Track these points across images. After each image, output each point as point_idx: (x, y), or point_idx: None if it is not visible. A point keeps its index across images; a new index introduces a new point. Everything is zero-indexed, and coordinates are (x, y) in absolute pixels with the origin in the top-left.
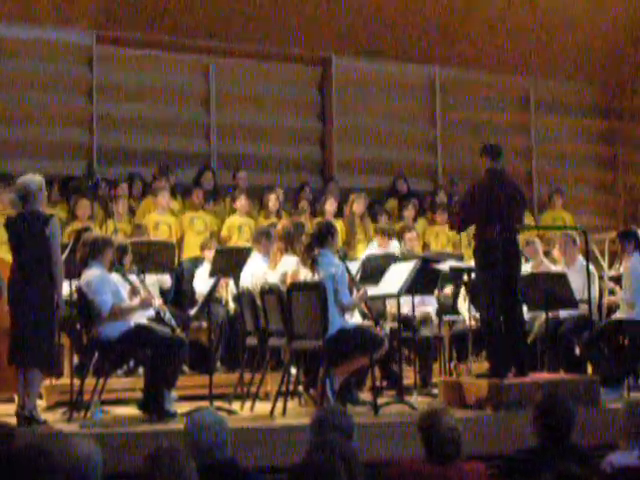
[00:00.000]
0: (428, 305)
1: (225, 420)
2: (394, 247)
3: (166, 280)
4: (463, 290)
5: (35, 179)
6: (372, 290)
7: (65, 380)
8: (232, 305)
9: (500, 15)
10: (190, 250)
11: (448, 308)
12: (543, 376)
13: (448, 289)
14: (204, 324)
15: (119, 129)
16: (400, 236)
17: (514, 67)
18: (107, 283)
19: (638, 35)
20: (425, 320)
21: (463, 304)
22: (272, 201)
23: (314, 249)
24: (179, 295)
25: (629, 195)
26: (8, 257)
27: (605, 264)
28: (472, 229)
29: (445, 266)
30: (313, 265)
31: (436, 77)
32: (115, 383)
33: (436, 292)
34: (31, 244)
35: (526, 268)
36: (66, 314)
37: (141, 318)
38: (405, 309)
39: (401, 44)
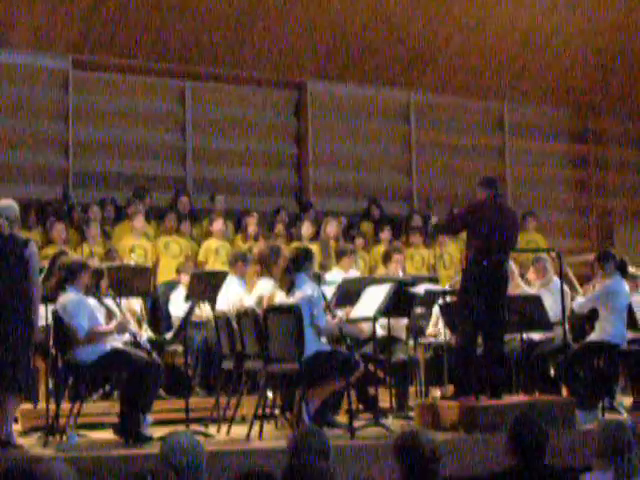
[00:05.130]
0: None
1: (201, 444)
2: (354, 273)
3: (135, 304)
4: (437, 312)
5: (10, 204)
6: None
7: (40, 404)
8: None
9: (474, 40)
10: (165, 274)
11: (423, 331)
12: (518, 398)
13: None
14: (180, 348)
15: (95, 153)
16: (386, 258)
17: (488, 91)
18: (83, 307)
19: (610, 59)
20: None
21: (434, 328)
22: (251, 225)
23: (291, 273)
24: (155, 319)
25: (602, 218)
26: None
27: (579, 287)
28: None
29: (420, 289)
30: (290, 288)
31: (411, 101)
32: (91, 407)
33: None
34: (10, 267)
35: None
36: (40, 338)
37: (117, 342)
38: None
39: (376, 69)
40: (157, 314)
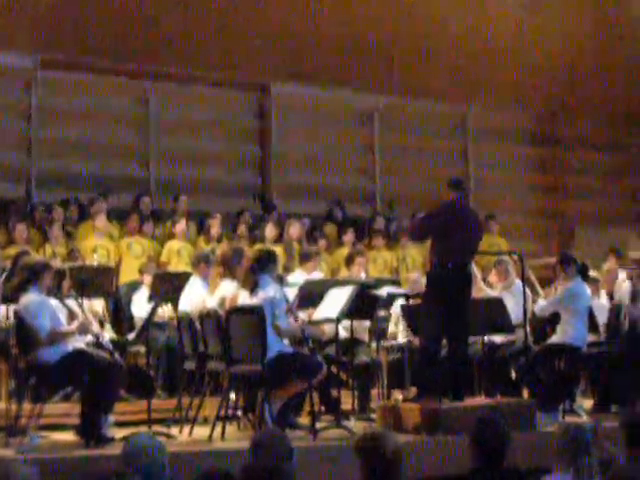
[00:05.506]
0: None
1: (164, 444)
2: (317, 275)
3: (97, 305)
4: (397, 312)
5: None
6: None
7: (1, 405)
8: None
9: (438, 44)
10: (127, 275)
11: (385, 333)
12: (480, 400)
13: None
14: (142, 349)
15: (58, 153)
16: (349, 261)
17: (452, 95)
18: (45, 307)
19: (573, 64)
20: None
21: (395, 329)
22: (214, 226)
23: (255, 273)
24: (117, 320)
25: (563, 221)
26: None
27: (540, 290)
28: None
29: (383, 292)
30: (253, 289)
31: (374, 104)
32: (52, 408)
33: None
34: None
35: None
36: (2, 338)
37: (79, 343)
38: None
39: (340, 71)
40: (119, 315)
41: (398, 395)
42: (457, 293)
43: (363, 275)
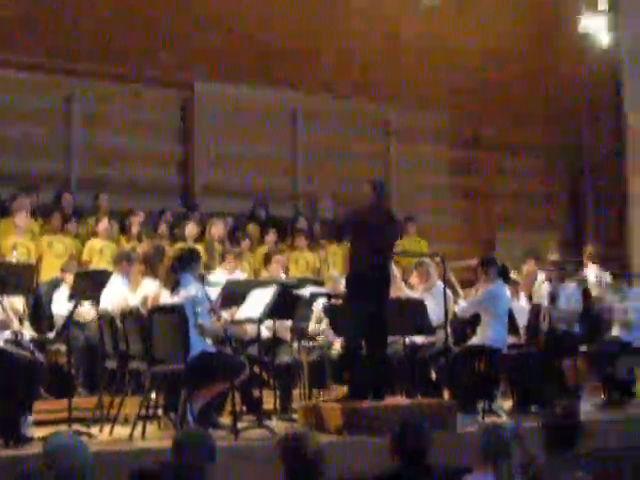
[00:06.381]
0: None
1: (85, 443)
2: (239, 274)
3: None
4: (319, 315)
5: None
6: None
7: None
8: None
9: (361, 43)
10: (48, 273)
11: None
12: (400, 401)
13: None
14: (63, 347)
15: None
16: (267, 260)
17: (375, 95)
18: None
19: (494, 67)
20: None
21: (316, 328)
22: (135, 225)
23: (176, 272)
24: (37, 318)
25: (485, 224)
26: None
27: (461, 291)
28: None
29: (306, 292)
30: (174, 288)
31: (299, 103)
32: None
33: None
34: None
35: None
36: None
37: None
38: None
39: (263, 69)
40: (39, 313)
41: (320, 395)
42: (375, 293)
43: (282, 274)
